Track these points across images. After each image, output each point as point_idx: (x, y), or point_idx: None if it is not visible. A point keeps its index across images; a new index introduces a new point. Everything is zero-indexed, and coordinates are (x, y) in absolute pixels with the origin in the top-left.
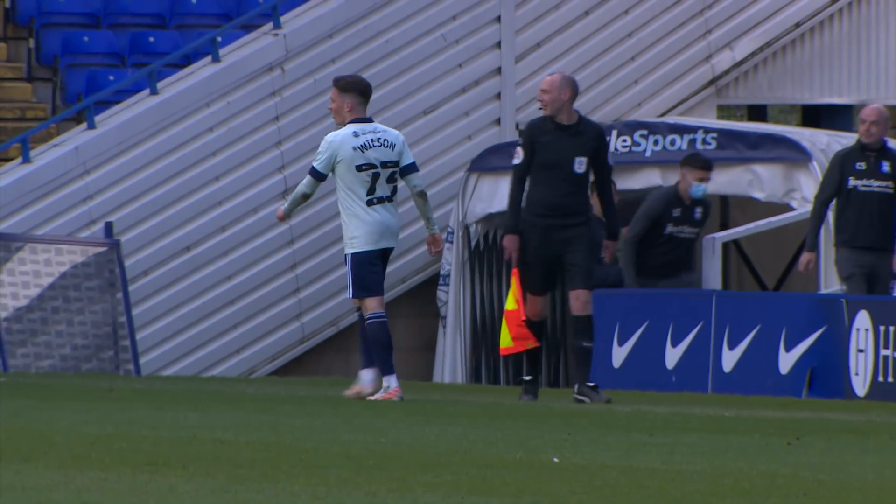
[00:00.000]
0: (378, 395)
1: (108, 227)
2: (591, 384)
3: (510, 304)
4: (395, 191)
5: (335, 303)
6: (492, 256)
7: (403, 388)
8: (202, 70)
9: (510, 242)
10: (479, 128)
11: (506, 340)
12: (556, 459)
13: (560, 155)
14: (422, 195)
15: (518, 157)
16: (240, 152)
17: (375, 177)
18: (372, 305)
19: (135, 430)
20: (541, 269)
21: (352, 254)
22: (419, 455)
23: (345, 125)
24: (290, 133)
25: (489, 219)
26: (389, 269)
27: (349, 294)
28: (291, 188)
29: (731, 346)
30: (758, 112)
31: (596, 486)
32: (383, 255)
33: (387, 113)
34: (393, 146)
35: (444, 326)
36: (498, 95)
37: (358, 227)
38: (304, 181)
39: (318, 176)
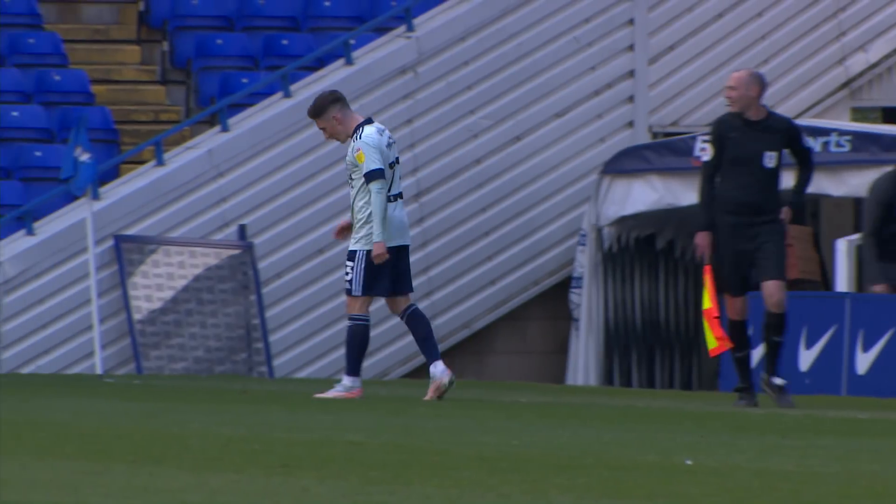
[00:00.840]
0: (336, 393)
1: (242, 230)
2: (780, 383)
3: (706, 302)
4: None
5: (468, 305)
6: (624, 259)
7: (531, 391)
8: (335, 73)
9: (702, 240)
10: (611, 130)
11: (711, 341)
12: (688, 462)
13: (749, 150)
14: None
15: (707, 153)
16: None
17: (394, 173)
18: (361, 307)
19: (268, 432)
20: (732, 267)
21: (367, 251)
22: (552, 457)
23: (348, 133)
24: (423, 136)
25: (622, 221)
26: (522, 271)
27: (353, 290)
28: (424, 191)
29: (866, 349)
30: (892, 114)
31: (728, 488)
32: (400, 252)
33: (520, 115)
34: (395, 144)
35: (577, 329)
36: (631, 98)
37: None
38: (376, 187)
39: (383, 173)
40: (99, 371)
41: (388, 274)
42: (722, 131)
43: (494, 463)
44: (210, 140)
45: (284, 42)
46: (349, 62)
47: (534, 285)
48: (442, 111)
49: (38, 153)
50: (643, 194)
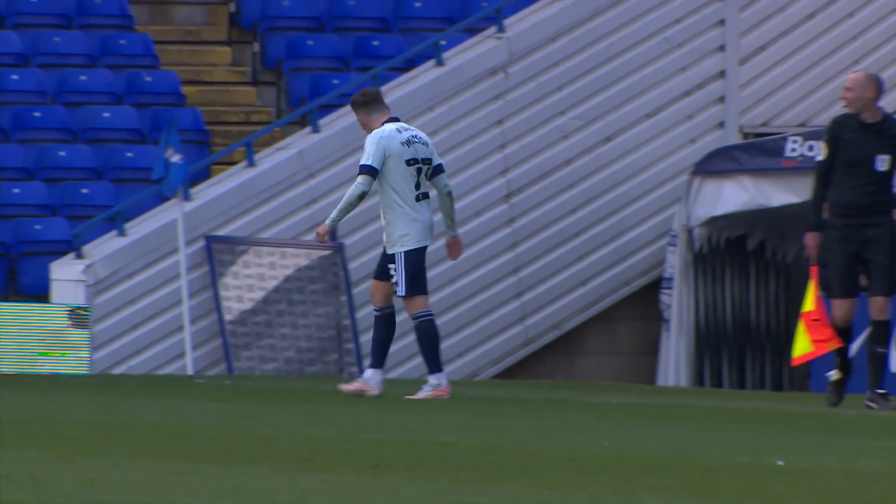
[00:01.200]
0: (426, 393)
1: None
2: (881, 391)
3: (807, 304)
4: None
5: (558, 306)
6: (715, 260)
7: (622, 392)
8: (426, 73)
9: (811, 240)
10: (702, 131)
11: (800, 348)
12: (780, 463)
13: (862, 152)
14: (450, 195)
15: (820, 153)
16: (463, 156)
17: (419, 172)
18: (422, 304)
19: (358, 432)
20: (839, 269)
21: (405, 252)
22: (642, 458)
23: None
24: (514, 136)
25: (712, 222)
26: (613, 271)
27: (400, 292)
28: (514, 192)
29: None
30: None
31: (819, 489)
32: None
33: (610, 116)
34: (426, 144)
35: (667, 330)
36: (721, 99)
37: (408, 225)
38: (360, 180)
39: (373, 172)
40: (190, 372)
41: (425, 272)
42: (836, 132)
43: (585, 464)
44: (301, 141)
45: (375, 43)
46: (440, 63)
47: (624, 286)
48: (532, 112)
49: (129, 154)
50: (734, 195)
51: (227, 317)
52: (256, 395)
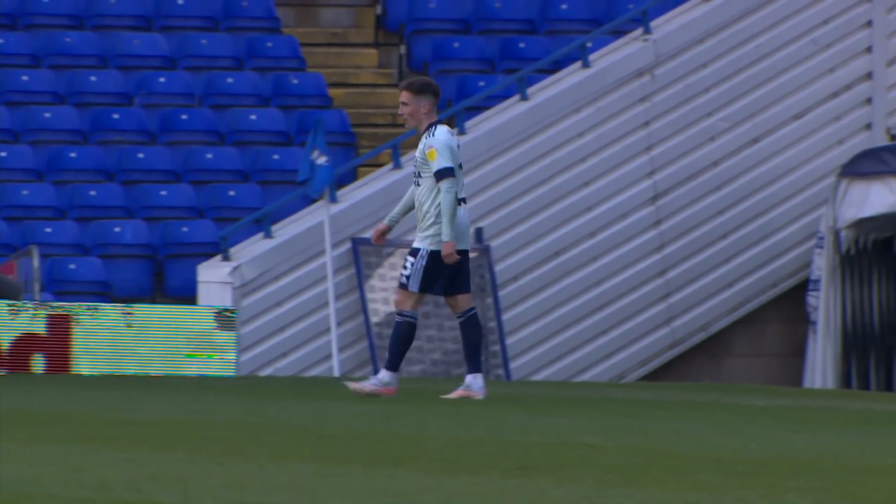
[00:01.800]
0: (372, 387)
1: (479, 233)
2: None
3: None
4: None
5: (705, 308)
6: (862, 261)
7: (768, 394)
8: (572, 75)
9: None
10: (849, 132)
11: None
12: None
13: None
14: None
15: None
16: (609, 158)
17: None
18: (413, 304)
19: (505, 434)
20: None
21: (431, 251)
22: (789, 460)
23: (421, 127)
24: (660, 138)
25: (859, 224)
26: (760, 273)
27: (410, 285)
28: (661, 193)
29: None
30: None
31: None
32: (463, 255)
33: (757, 117)
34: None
35: (815, 332)
36: (868, 100)
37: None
38: (447, 186)
39: (452, 172)
40: (336, 374)
41: (446, 275)
42: None
43: (732, 466)
44: None
45: (521, 45)
46: (586, 65)
47: (771, 287)
48: (679, 114)
49: (275, 156)
50: (881, 196)
51: (374, 319)
52: (404, 396)
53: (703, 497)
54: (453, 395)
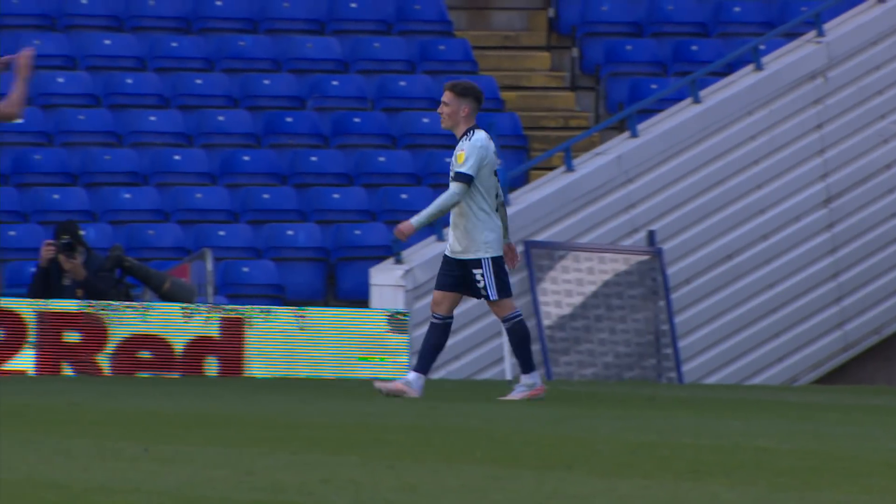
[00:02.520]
0: (521, 394)
1: (651, 236)
2: None
3: None
4: None
5: (879, 310)
6: None
7: None
8: (744, 78)
9: None
10: None
11: None
12: None
13: None
14: (503, 205)
15: None
16: (781, 161)
17: (497, 180)
18: (510, 306)
19: (677, 437)
20: None
21: (491, 258)
22: None
23: (458, 129)
24: (833, 141)
25: None
26: None
27: (492, 296)
28: (834, 196)
29: None
30: None
31: None
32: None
33: None
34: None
35: None
36: None
37: (491, 232)
38: (457, 189)
39: (470, 181)
40: (508, 376)
41: (507, 275)
42: None
43: None
44: (619, 146)
45: (694, 48)
46: (759, 68)
47: None
48: (852, 116)
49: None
50: None
51: (546, 321)
52: (574, 399)
53: (875, 501)
54: (514, 395)
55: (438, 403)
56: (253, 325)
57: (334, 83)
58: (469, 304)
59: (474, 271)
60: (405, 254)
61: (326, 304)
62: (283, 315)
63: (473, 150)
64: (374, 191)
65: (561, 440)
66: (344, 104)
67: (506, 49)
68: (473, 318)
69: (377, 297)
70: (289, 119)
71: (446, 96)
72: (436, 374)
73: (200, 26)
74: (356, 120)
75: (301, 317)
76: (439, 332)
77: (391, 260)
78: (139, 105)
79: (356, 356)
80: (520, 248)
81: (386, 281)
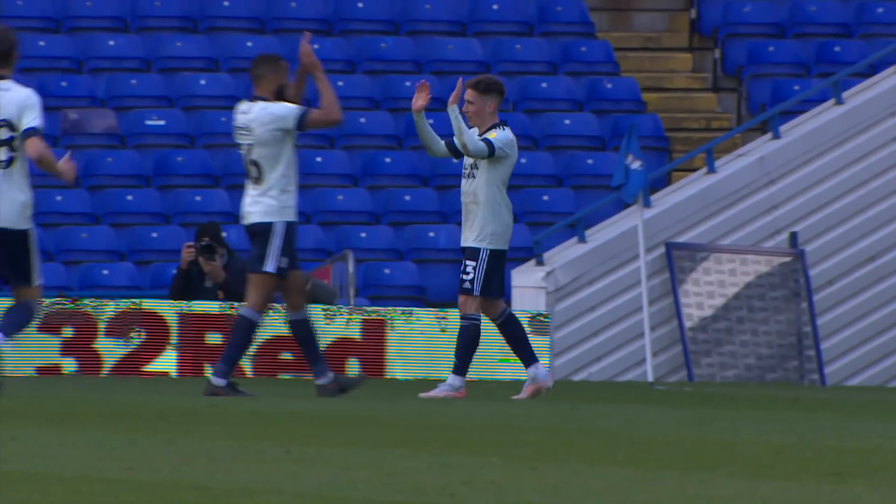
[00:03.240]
0: (443, 392)
1: (794, 237)
2: None
3: None
4: None
5: None
6: None
7: None
8: (887, 79)
9: None
10: None
11: None
12: None
13: None
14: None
15: None
16: None
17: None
18: (476, 306)
19: (819, 440)
20: None
21: (491, 249)
22: None
23: (483, 125)
24: None
25: None
26: None
27: (475, 291)
28: None
29: None
30: None
31: None
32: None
33: None
34: None
35: None
36: None
37: (499, 225)
38: (475, 150)
39: (493, 151)
40: (649, 378)
41: (501, 274)
42: None
43: None
44: (761, 147)
45: (836, 49)
46: None
47: None
48: None
49: (589, 161)
50: None
51: (687, 323)
52: (716, 401)
53: None
54: (523, 395)
55: (580, 405)
56: (394, 326)
57: None
58: (612, 304)
59: (468, 262)
60: (546, 255)
61: None
62: (425, 316)
63: (506, 137)
64: (515, 192)
65: (703, 442)
66: None
67: (647, 50)
68: (616, 320)
69: (519, 298)
70: (430, 122)
71: (469, 94)
72: (577, 376)
73: (342, 28)
74: None
75: (442, 318)
76: (465, 334)
77: (532, 262)
78: None
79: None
80: (660, 251)
81: (527, 283)
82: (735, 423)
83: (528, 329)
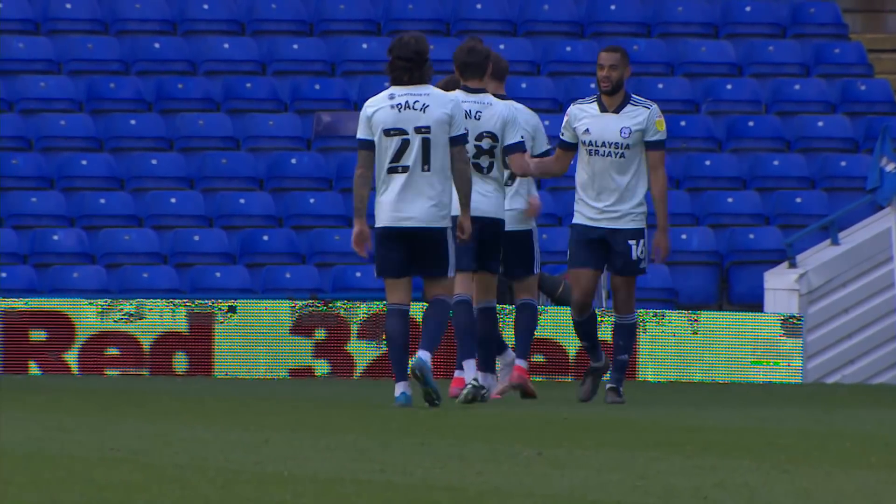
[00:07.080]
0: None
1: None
2: None
3: None
4: None
5: None
6: None
7: None
8: None
9: None
10: None
11: None
12: None
13: None
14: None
15: None
16: None
17: None
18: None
19: None
20: None
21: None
22: None
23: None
24: None
25: None
26: None
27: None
28: None
29: None
30: None
31: None
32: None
33: None
34: None
35: None
36: None
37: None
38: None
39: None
40: None
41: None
42: None
43: None
44: None
45: None
46: None
47: None
48: None
49: (842, 163)
50: None
51: None
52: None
53: None
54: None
55: (833, 408)
56: (646, 329)
57: (728, 87)
58: (865, 307)
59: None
60: (799, 258)
61: (719, 309)
62: (676, 319)
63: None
64: (767, 195)
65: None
66: (737, 108)
67: None
68: (869, 322)
69: (771, 301)
70: (683, 123)
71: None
72: (830, 379)
73: (391, 28)
74: (750, 124)
75: (694, 321)
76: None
77: (785, 264)
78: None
79: (749, 360)
80: None
81: (780, 285)
82: None
83: (780, 332)
